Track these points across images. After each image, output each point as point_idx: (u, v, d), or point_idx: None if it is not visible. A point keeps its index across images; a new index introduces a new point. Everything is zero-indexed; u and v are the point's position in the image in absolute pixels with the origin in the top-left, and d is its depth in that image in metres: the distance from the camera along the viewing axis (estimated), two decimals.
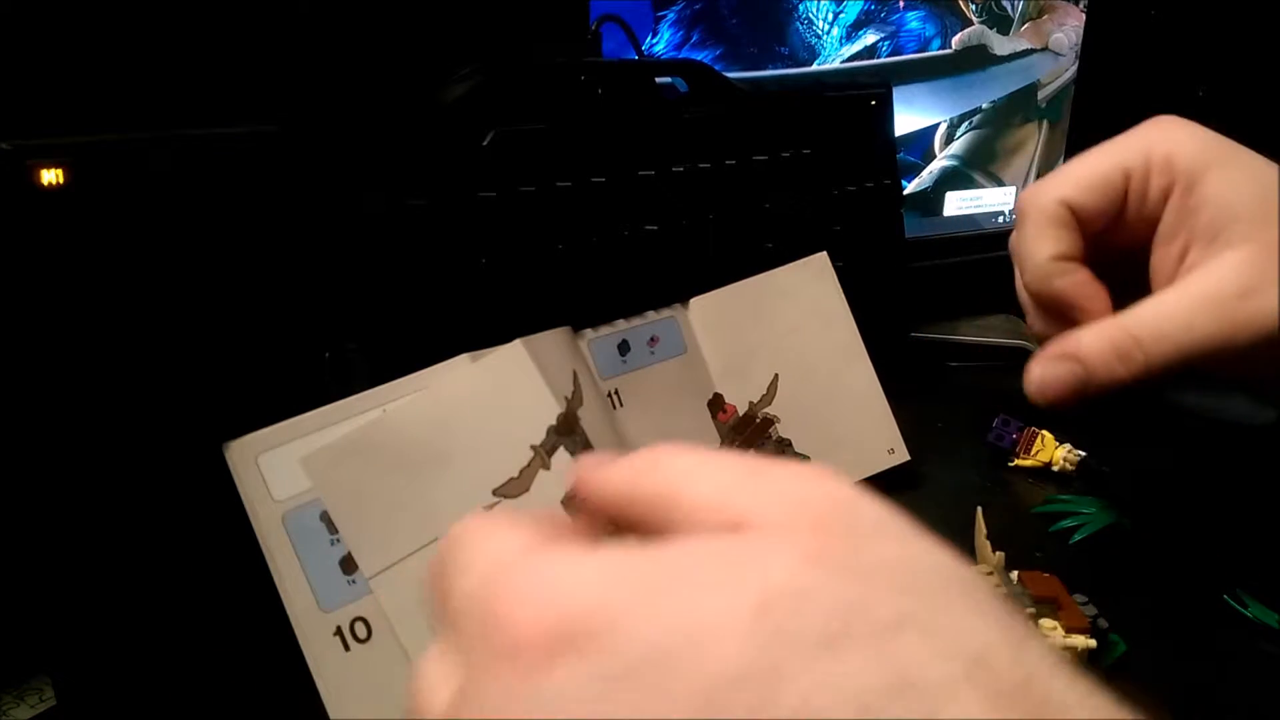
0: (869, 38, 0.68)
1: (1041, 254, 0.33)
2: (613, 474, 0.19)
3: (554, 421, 0.35)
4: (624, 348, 0.42)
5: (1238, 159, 0.33)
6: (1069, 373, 0.32)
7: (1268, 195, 0.31)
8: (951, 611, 0.14)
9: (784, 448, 0.46)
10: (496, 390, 0.35)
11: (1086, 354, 0.32)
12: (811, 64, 0.66)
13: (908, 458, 0.47)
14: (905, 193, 0.72)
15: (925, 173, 0.74)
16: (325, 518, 0.32)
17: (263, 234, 0.33)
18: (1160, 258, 0.33)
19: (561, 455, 0.35)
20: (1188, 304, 0.31)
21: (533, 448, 0.35)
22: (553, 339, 0.38)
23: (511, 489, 0.34)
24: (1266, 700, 0.34)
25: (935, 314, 0.72)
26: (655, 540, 0.16)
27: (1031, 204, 0.34)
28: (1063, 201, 0.33)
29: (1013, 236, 0.36)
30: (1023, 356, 0.69)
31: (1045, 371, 0.33)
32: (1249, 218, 0.31)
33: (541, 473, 0.35)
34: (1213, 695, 0.34)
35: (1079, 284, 0.33)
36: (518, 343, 0.36)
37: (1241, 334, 0.30)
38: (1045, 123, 0.80)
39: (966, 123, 0.75)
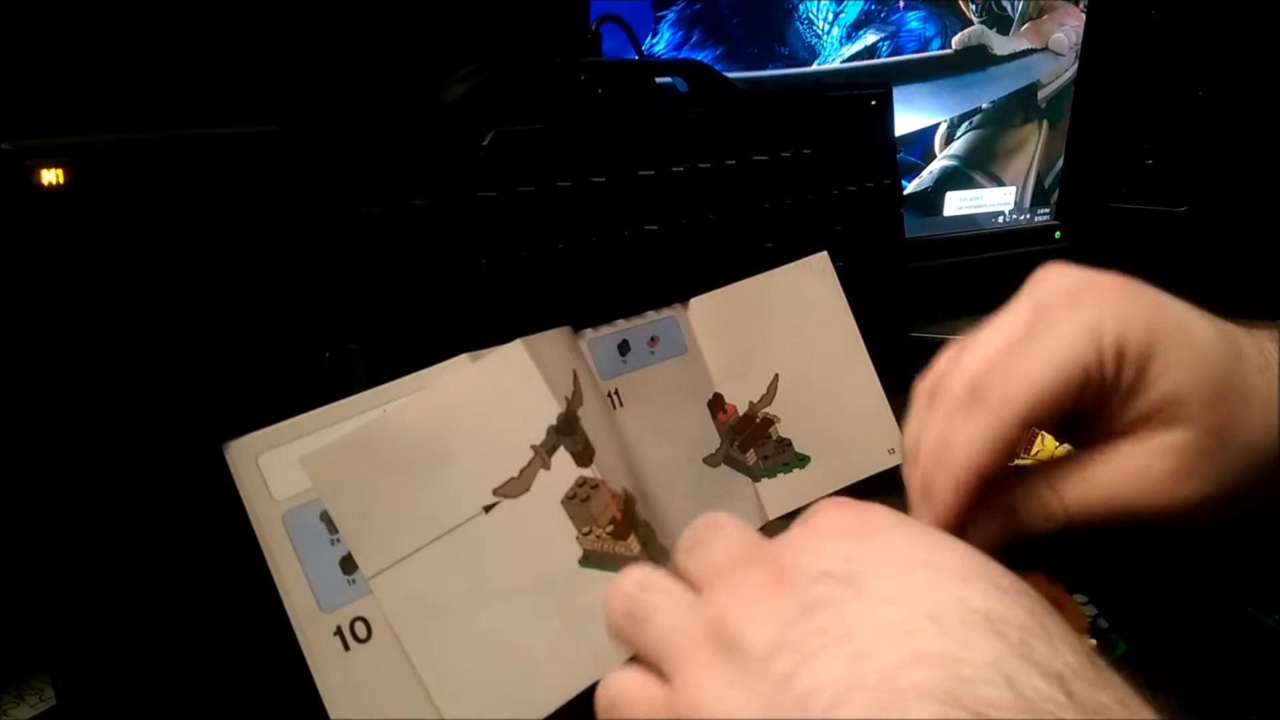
0: (869, 38, 0.68)
1: (975, 466, 0.30)
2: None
3: (554, 421, 0.35)
4: (624, 348, 0.42)
5: (1184, 329, 0.31)
6: (1002, 524, 0.31)
7: (1216, 373, 0.30)
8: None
9: (784, 447, 0.46)
10: (497, 390, 0.35)
11: (1022, 515, 0.31)
12: (811, 64, 0.66)
13: None
14: (905, 193, 0.72)
15: (925, 173, 0.74)
16: (325, 518, 0.32)
17: (263, 234, 0.33)
18: (1099, 419, 0.32)
19: (562, 455, 0.35)
20: (1118, 480, 0.30)
21: (533, 447, 0.35)
22: (553, 339, 0.38)
23: (512, 489, 0.34)
24: (1271, 701, 0.34)
25: (935, 314, 0.72)
26: None
27: (993, 412, 0.30)
28: (1026, 422, 0.30)
29: (940, 423, 0.31)
30: None
31: (979, 528, 0.31)
32: (1193, 399, 0.30)
33: (542, 472, 0.35)
34: (1217, 697, 0.34)
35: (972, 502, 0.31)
36: (518, 343, 0.35)
37: (1163, 514, 0.30)
38: (1045, 123, 0.80)
39: (966, 123, 0.75)
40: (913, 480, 0.32)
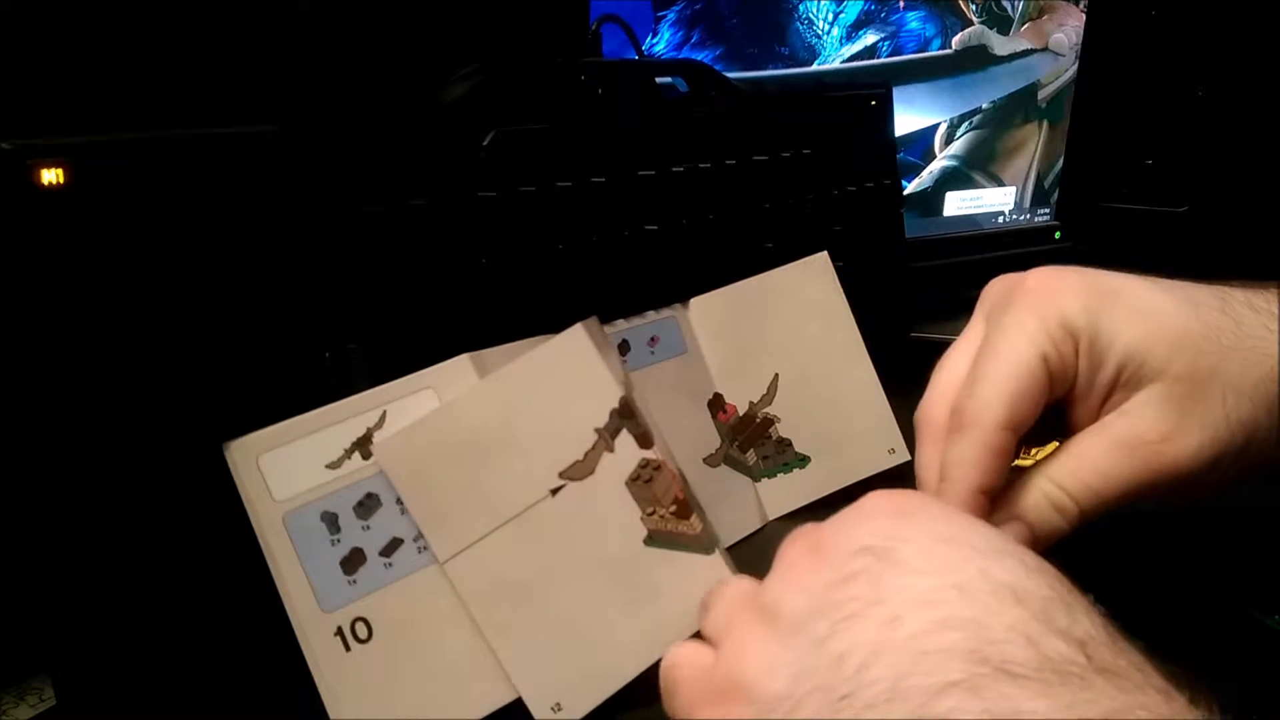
0: (869, 38, 0.68)
1: (972, 485, 0.30)
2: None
3: (616, 404, 0.36)
4: (624, 348, 0.42)
5: (1124, 295, 0.31)
6: (1019, 534, 0.31)
7: (1166, 323, 0.30)
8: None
9: (784, 447, 0.46)
10: (560, 374, 0.35)
11: (1032, 518, 0.31)
12: (811, 64, 0.66)
13: (909, 458, 0.47)
14: (905, 193, 0.72)
15: (925, 173, 0.74)
16: (326, 517, 0.32)
17: (262, 234, 0.33)
18: (1080, 410, 0.32)
19: (625, 437, 0.35)
20: (1108, 455, 0.30)
21: (596, 430, 0.35)
22: (598, 325, 0.38)
23: (577, 471, 0.35)
24: (1272, 701, 0.34)
25: (935, 314, 0.72)
26: None
27: (972, 428, 0.30)
28: (1005, 427, 0.30)
29: (930, 451, 0.32)
30: None
31: None
32: (1151, 353, 0.30)
33: (606, 455, 0.35)
34: (1217, 696, 0.34)
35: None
36: (579, 327, 0.36)
37: (1165, 478, 0.30)
38: (1045, 123, 0.80)
39: (966, 123, 0.75)
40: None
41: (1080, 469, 0.31)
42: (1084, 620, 0.21)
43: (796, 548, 0.25)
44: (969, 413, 0.31)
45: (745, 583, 0.28)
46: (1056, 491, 0.31)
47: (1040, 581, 0.22)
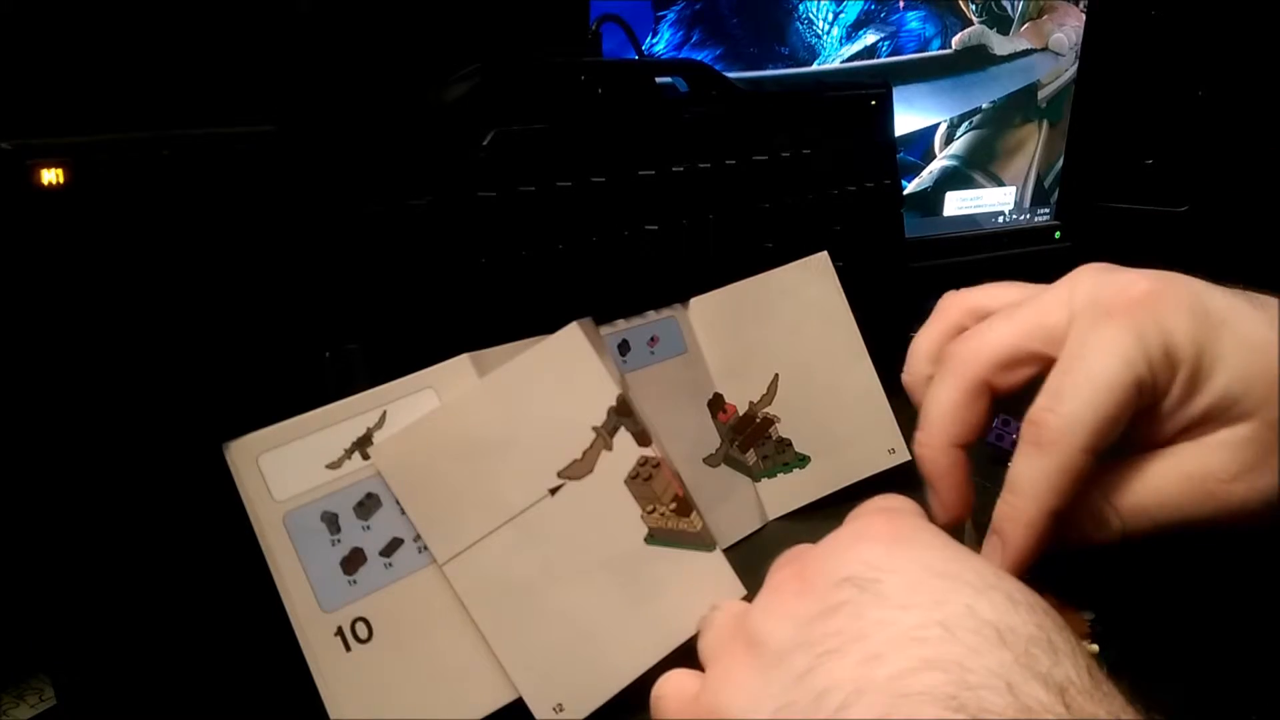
0: (869, 38, 0.68)
1: (1046, 509, 0.30)
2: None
3: (614, 403, 0.36)
4: (624, 348, 0.42)
5: (1231, 324, 0.30)
6: (1054, 534, 0.31)
7: (1268, 361, 0.29)
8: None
9: (784, 447, 0.46)
10: (557, 373, 0.35)
11: (1072, 522, 0.30)
12: (811, 64, 0.66)
13: (909, 458, 0.47)
14: (905, 193, 0.72)
15: (925, 173, 0.74)
16: (326, 517, 0.32)
17: (262, 234, 0.33)
18: (1156, 427, 0.31)
19: (623, 435, 0.35)
20: (1175, 483, 0.30)
21: (594, 429, 0.35)
22: (592, 325, 0.38)
23: (575, 470, 0.35)
24: (1264, 702, 0.34)
25: None
26: None
27: (1054, 449, 0.29)
28: (1089, 450, 0.29)
29: (1019, 463, 0.31)
30: None
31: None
32: (1250, 393, 0.29)
33: (604, 453, 0.35)
34: (1209, 697, 0.34)
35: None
36: (574, 326, 0.36)
37: (1223, 515, 0.29)
38: (1045, 123, 0.80)
39: (966, 123, 0.75)
40: (925, 463, 0.34)
41: (1143, 493, 0.30)
42: (1066, 663, 0.20)
43: (785, 572, 0.25)
44: (1052, 430, 0.29)
45: (736, 607, 0.28)
46: (1108, 508, 0.30)
47: (1027, 619, 0.21)
